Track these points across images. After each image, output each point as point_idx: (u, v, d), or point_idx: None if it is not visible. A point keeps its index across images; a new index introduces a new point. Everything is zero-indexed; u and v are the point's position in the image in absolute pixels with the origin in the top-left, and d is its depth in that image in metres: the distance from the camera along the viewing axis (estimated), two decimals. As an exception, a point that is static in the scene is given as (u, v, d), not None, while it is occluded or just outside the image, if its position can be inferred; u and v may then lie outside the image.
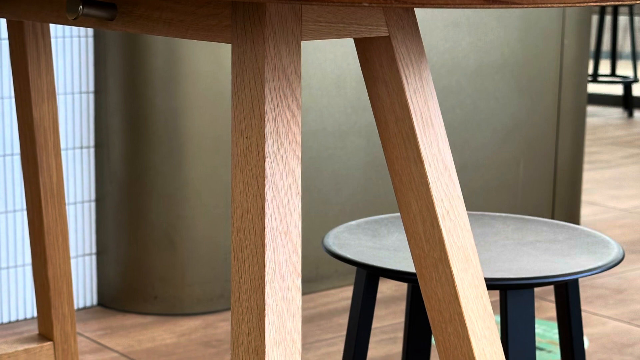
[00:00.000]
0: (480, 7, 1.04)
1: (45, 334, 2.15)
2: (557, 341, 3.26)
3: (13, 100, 3.33)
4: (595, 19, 8.86)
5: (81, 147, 3.47)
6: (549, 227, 1.98)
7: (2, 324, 3.42)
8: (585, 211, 4.96)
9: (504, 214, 2.07)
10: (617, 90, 8.99)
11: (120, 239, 3.52)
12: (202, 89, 3.44)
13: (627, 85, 8.36)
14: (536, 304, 3.62)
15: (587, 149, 6.48)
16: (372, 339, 3.30)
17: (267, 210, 1.28)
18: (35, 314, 3.45)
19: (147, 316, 3.51)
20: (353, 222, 1.98)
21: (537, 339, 3.30)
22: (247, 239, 1.29)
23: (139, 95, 3.43)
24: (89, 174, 3.51)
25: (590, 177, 5.77)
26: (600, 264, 1.77)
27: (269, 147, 1.28)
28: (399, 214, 1.98)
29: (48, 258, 2.08)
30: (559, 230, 1.96)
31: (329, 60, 3.71)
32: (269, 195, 1.28)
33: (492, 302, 3.27)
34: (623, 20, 10.83)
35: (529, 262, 1.78)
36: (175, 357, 3.17)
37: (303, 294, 3.74)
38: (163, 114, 3.43)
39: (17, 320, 3.47)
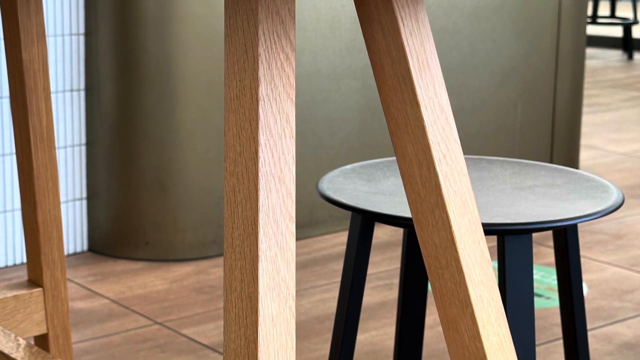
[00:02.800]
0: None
1: (34, 280, 2.15)
2: (556, 287, 3.28)
3: (2, 42, 3.32)
4: (595, -41, 8.83)
5: (71, 90, 3.47)
6: (547, 172, 1.98)
7: (-9, 269, 3.44)
8: (584, 155, 4.97)
9: (501, 158, 2.07)
10: (617, 32, 8.97)
11: (111, 184, 3.52)
12: (195, 31, 3.43)
13: (627, 27, 8.34)
14: (534, 250, 3.63)
15: (586, 92, 6.48)
16: (368, 285, 3.32)
17: (260, 154, 1.27)
18: (25, 260, 3.46)
19: (138, 262, 3.52)
20: (348, 167, 1.98)
21: (535, 285, 3.32)
22: (240, 183, 1.29)
23: (130, 38, 3.42)
24: (79, 117, 3.51)
25: (589, 121, 5.78)
26: (599, 208, 1.77)
27: (263, 90, 1.27)
28: (394, 157, 1.98)
29: (38, 203, 2.07)
30: (558, 175, 1.96)
31: (324, 2, 3.69)
32: (262, 139, 1.28)
33: (489, 248, 3.28)
34: (624, -40, 10.79)
35: (527, 207, 1.78)
36: (167, 303, 3.18)
37: (297, 239, 3.75)
38: (155, 57, 3.42)
39: (6, 267, 3.49)
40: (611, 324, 3.05)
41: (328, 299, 3.23)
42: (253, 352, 1.27)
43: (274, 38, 1.28)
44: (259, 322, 1.27)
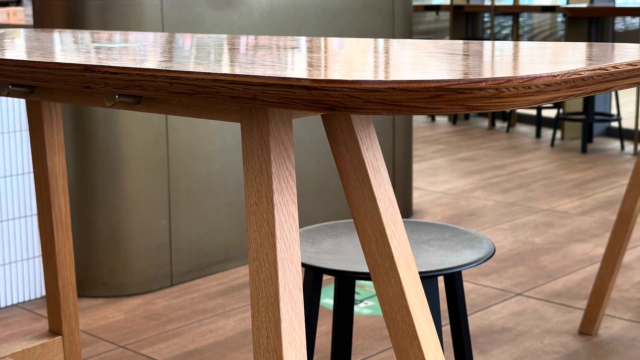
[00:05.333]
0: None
1: (55, 330, 2.15)
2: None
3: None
4: None
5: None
6: (436, 228, 2.07)
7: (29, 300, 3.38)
8: (413, 194, 5.08)
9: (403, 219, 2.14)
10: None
11: (73, 241, 3.50)
12: (135, 123, 3.45)
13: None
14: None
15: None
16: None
17: (277, 244, 1.34)
18: (42, 294, 3.44)
19: (98, 299, 3.50)
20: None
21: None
22: (262, 266, 1.35)
23: (85, 129, 3.42)
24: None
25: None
26: (480, 256, 1.87)
27: (276, 198, 1.34)
28: (327, 223, 2.05)
29: (58, 272, 2.08)
30: (444, 230, 2.06)
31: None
32: (278, 233, 1.34)
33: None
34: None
35: (430, 257, 1.86)
36: (126, 330, 3.17)
37: (229, 269, 3.78)
38: (105, 143, 3.43)
39: (30, 300, 3.45)
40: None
41: (247, 317, 3.26)
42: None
43: (281, 160, 1.35)
44: (284, 367, 1.33)
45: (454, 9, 8.26)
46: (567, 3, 7.26)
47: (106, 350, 3.01)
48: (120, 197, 3.47)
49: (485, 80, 1.11)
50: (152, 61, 1.50)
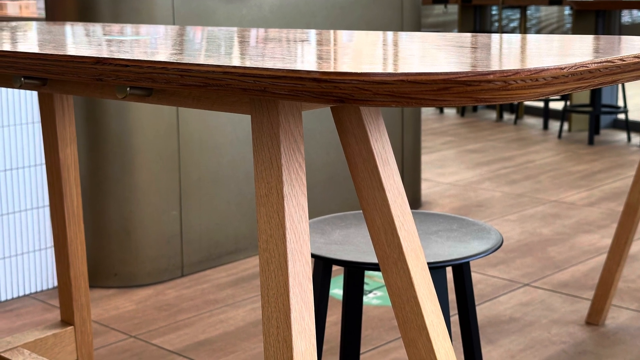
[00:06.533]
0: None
1: (67, 320, 2.16)
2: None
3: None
4: None
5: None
6: (444, 219, 2.07)
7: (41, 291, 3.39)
8: (422, 185, 5.08)
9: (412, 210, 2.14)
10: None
11: (85, 232, 3.50)
12: (146, 116, 3.45)
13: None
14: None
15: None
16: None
17: (287, 235, 1.34)
18: (54, 285, 3.44)
19: (109, 289, 3.51)
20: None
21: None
22: (272, 257, 1.35)
23: (96, 121, 3.42)
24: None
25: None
26: (488, 247, 1.87)
27: (286, 190, 1.34)
28: (337, 214, 2.05)
29: (70, 263, 2.09)
30: (452, 221, 2.06)
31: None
32: (288, 224, 1.34)
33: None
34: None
35: (438, 248, 1.87)
36: (137, 320, 3.18)
37: (236, 260, 3.79)
38: (116, 135, 3.43)
39: (42, 290, 3.46)
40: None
41: (258, 308, 3.27)
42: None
43: (290, 152, 1.35)
44: (293, 358, 1.32)
45: (462, 2, 8.24)
46: (575, -4, 7.24)
47: (117, 340, 3.02)
48: (132, 189, 3.48)
49: (493, 72, 1.11)
50: (163, 54, 1.50)
